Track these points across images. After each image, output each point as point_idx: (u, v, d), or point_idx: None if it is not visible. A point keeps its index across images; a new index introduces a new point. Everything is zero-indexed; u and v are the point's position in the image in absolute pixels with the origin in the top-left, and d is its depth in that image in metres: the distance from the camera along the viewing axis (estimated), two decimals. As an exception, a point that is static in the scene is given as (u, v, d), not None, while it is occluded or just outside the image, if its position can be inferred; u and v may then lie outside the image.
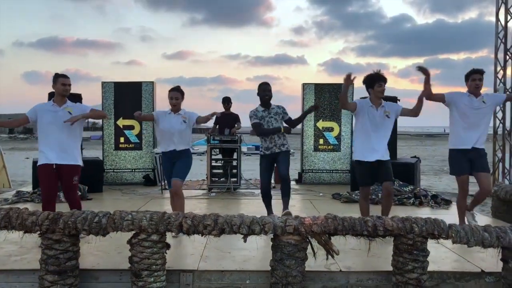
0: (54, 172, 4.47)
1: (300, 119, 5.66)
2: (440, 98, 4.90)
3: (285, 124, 5.40)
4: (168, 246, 3.57)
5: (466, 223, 4.92)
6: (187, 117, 4.98)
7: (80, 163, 4.62)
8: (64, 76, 4.53)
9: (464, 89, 4.96)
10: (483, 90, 4.91)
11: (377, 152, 4.70)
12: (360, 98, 4.84)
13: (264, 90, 5.33)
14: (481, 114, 4.85)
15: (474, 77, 4.82)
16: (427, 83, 4.67)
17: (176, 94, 4.98)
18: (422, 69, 4.63)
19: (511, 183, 7.77)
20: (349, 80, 4.51)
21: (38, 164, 4.52)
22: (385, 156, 4.74)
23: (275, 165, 5.45)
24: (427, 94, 4.71)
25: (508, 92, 7.79)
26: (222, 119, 8.49)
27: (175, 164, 4.99)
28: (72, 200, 4.60)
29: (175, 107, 4.98)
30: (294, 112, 5.40)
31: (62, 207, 4.37)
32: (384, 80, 4.69)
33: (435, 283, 3.70)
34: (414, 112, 4.78)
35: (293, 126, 5.50)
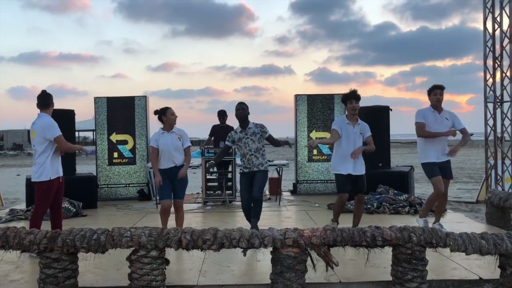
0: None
1: (276, 144, 5.62)
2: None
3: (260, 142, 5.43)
4: (167, 262, 3.56)
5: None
6: (181, 135, 5.29)
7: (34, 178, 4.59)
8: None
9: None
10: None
11: (352, 166, 5.09)
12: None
13: (238, 109, 5.40)
14: (444, 129, 5.23)
15: (435, 92, 5.26)
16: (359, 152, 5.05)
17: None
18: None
19: (503, 190, 7.85)
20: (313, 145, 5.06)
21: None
22: (360, 170, 5.13)
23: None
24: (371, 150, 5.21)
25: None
26: (218, 132, 8.50)
27: (174, 182, 5.21)
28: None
29: (175, 122, 5.28)
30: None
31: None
32: (355, 98, 5.07)
33: (435, 292, 3.71)
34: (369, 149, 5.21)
35: (274, 145, 5.60)
